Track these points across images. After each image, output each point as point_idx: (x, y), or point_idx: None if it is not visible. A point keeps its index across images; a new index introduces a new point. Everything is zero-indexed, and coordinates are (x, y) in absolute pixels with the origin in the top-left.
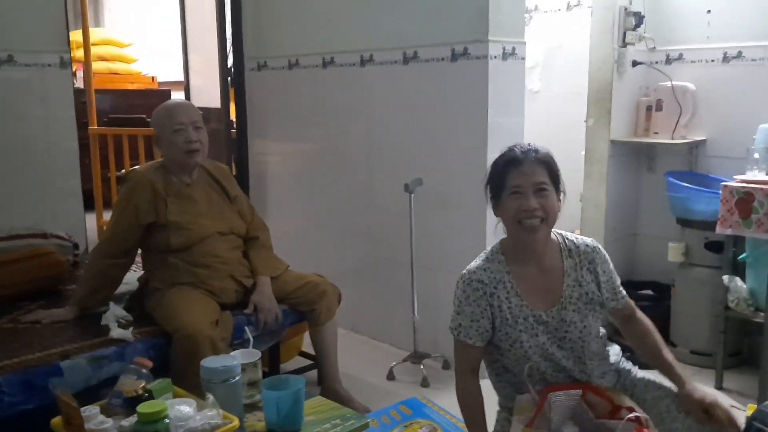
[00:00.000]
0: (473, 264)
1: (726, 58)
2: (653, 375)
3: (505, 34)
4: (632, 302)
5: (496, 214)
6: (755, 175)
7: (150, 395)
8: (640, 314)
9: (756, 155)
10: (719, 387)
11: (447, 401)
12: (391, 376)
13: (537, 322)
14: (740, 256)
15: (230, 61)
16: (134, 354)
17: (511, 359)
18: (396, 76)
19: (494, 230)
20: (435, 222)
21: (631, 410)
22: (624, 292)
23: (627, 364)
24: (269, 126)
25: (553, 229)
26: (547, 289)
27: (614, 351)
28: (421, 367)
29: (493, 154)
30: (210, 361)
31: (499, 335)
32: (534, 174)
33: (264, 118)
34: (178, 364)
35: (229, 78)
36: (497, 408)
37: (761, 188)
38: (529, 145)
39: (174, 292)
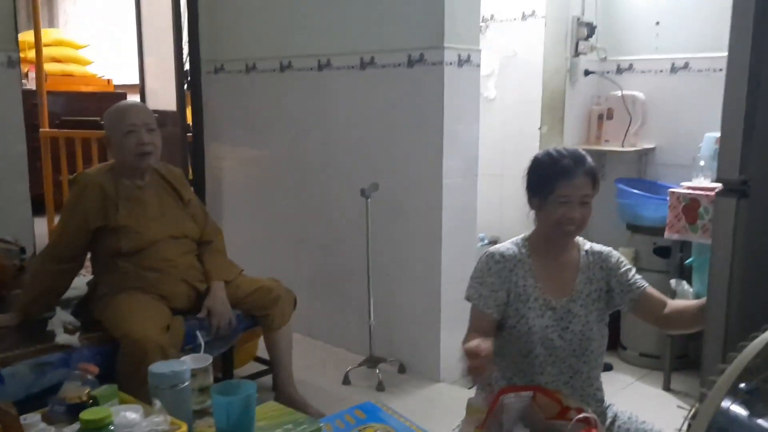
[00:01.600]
0: (496, 246)
1: (674, 69)
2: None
3: (460, 41)
4: (659, 294)
5: (533, 208)
6: (701, 182)
7: (95, 402)
8: (673, 300)
9: (702, 163)
10: (667, 388)
11: (402, 405)
12: (346, 381)
13: (546, 306)
14: (687, 261)
15: (187, 65)
16: (80, 361)
17: (514, 338)
18: (353, 81)
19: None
20: (391, 227)
21: (580, 411)
22: (643, 283)
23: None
24: (226, 130)
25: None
26: (561, 280)
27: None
28: (377, 371)
29: (449, 161)
30: (158, 367)
31: (510, 310)
32: (583, 187)
33: (221, 122)
34: (125, 371)
35: (186, 81)
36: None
37: (706, 195)
38: (576, 152)
39: (123, 297)
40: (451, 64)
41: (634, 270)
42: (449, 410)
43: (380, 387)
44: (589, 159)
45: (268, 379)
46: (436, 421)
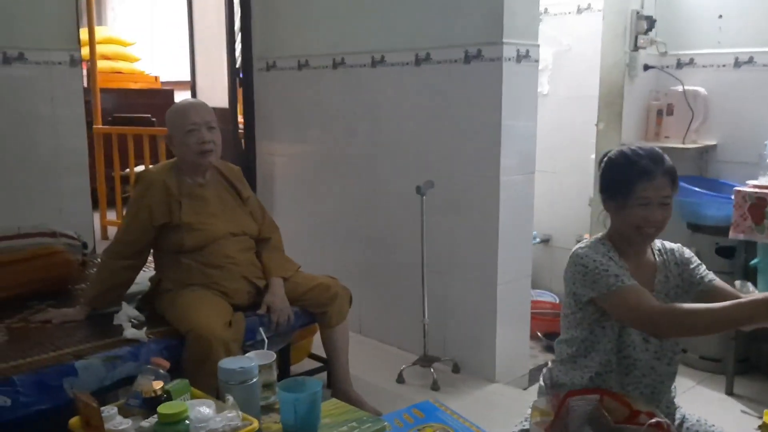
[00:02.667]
0: (579, 245)
1: (737, 63)
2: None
3: (519, 35)
4: (726, 284)
5: (609, 211)
6: None
7: (168, 396)
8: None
9: None
10: (729, 393)
11: (458, 405)
12: (400, 379)
13: None
14: (752, 262)
15: (238, 62)
16: (148, 354)
17: (608, 335)
18: (408, 78)
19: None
20: (446, 225)
21: (651, 415)
22: (711, 276)
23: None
24: (277, 127)
25: None
26: (642, 281)
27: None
28: (431, 370)
29: (506, 158)
30: (228, 362)
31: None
32: (663, 188)
33: (272, 119)
34: (190, 366)
35: (237, 78)
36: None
37: None
38: (655, 151)
39: (186, 293)
40: (509, 59)
41: (704, 266)
42: (506, 411)
43: (435, 386)
44: (667, 158)
45: (322, 376)
46: (492, 422)
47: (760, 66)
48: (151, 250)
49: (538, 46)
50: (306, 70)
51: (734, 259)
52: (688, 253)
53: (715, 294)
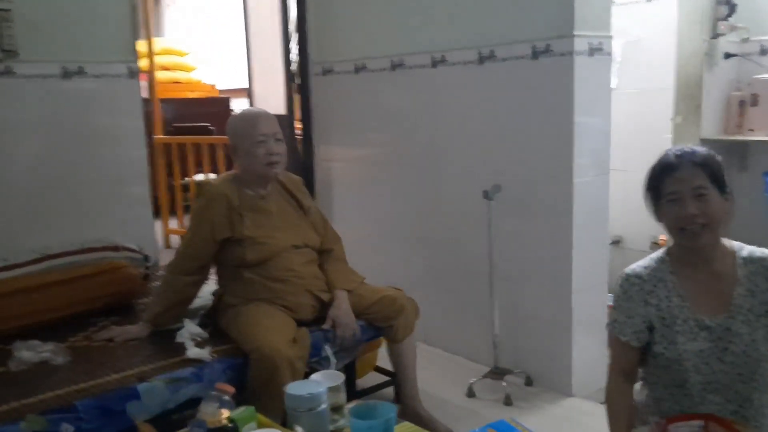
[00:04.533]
0: (635, 263)
1: None
2: None
3: (590, 27)
4: None
5: (658, 221)
6: None
7: (234, 426)
8: None
9: None
10: None
11: (533, 422)
12: (470, 394)
13: (699, 327)
14: None
15: (294, 67)
16: (212, 375)
17: (664, 366)
18: (470, 78)
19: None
20: (515, 230)
21: None
22: None
23: None
24: (335, 132)
25: (732, 241)
26: (714, 295)
27: None
28: (503, 383)
29: (580, 158)
30: (295, 388)
31: (656, 336)
32: (691, 179)
33: (330, 124)
34: (256, 387)
35: (294, 83)
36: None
37: None
38: (686, 148)
39: (250, 309)
40: (581, 53)
41: None
42: (585, 428)
43: (507, 401)
44: (703, 150)
45: (389, 391)
46: None
47: None
48: (214, 264)
49: (611, 37)
50: (363, 73)
51: None
52: None
53: None
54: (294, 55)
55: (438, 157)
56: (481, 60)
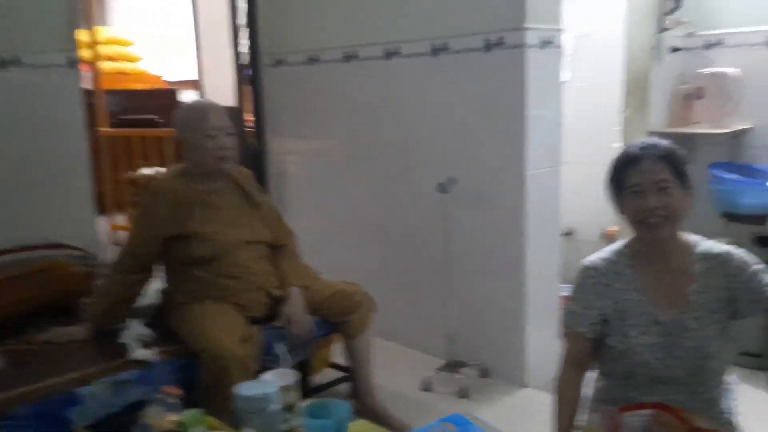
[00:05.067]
0: (594, 254)
1: None
2: None
3: (542, 21)
4: None
5: (620, 213)
6: None
7: (182, 429)
8: None
9: None
10: None
11: (489, 414)
12: (426, 387)
13: (652, 321)
14: None
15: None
16: (158, 377)
17: (616, 358)
18: (424, 70)
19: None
20: (470, 223)
21: None
22: None
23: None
24: (288, 125)
25: (690, 234)
26: (670, 290)
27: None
28: (459, 376)
29: (532, 151)
30: (245, 388)
31: (610, 328)
32: (653, 171)
33: (282, 117)
34: (206, 387)
35: (244, 76)
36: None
37: None
38: (650, 140)
39: (200, 307)
40: (533, 46)
41: (763, 274)
42: (539, 418)
43: (463, 393)
44: (666, 144)
45: (344, 387)
46: (526, 430)
47: None
48: (161, 262)
49: (562, 31)
50: (317, 64)
51: None
52: (740, 260)
53: None
54: (244, 45)
55: (393, 150)
56: (435, 52)
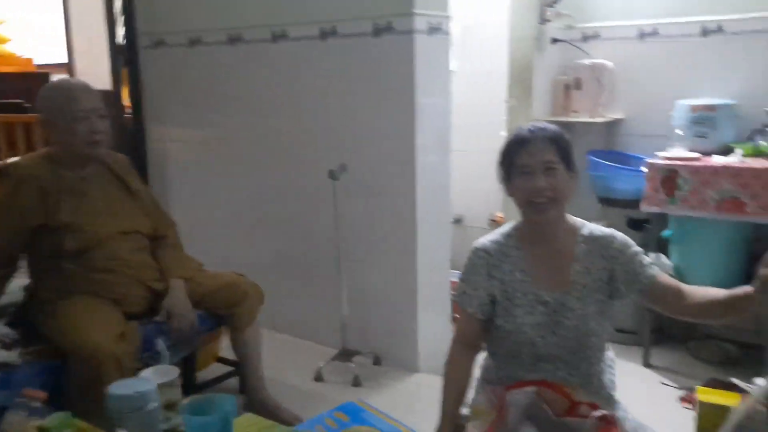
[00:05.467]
0: (484, 237)
1: (642, 36)
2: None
3: (430, 7)
4: (672, 281)
5: (508, 195)
6: (678, 152)
7: None
8: (690, 287)
9: (679, 132)
10: (647, 364)
11: (382, 400)
12: (319, 377)
13: (537, 301)
14: (664, 233)
15: (121, 39)
16: (22, 381)
17: (503, 337)
18: (313, 54)
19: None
20: (361, 210)
21: (593, 406)
22: (652, 271)
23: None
24: (169, 110)
25: (575, 217)
26: (554, 272)
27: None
28: (352, 365)
29: (422, 138)
30: (119, 387)
31: (498, 308)
32: (542, 153)
33: (163, 102)
34: (76, 391)
35: (121, 58)
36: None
37: (685, 165)
38: (539, 124)
39: (69, 304)
40: (421, 32)
41: (642, 255)
42: (431, 402)
43: (356, 382)
44: (554, 127)
45: (233, 382)
46: (418, 414)
47: (664, 37)
48: (24, 255)
49: (449, 17)
50: (199, 46)
51: (646, 232)
52: (621, 243)
53: (657, 292)
54: (120, 25)
55: (282, 136)
56: (323, 36)
